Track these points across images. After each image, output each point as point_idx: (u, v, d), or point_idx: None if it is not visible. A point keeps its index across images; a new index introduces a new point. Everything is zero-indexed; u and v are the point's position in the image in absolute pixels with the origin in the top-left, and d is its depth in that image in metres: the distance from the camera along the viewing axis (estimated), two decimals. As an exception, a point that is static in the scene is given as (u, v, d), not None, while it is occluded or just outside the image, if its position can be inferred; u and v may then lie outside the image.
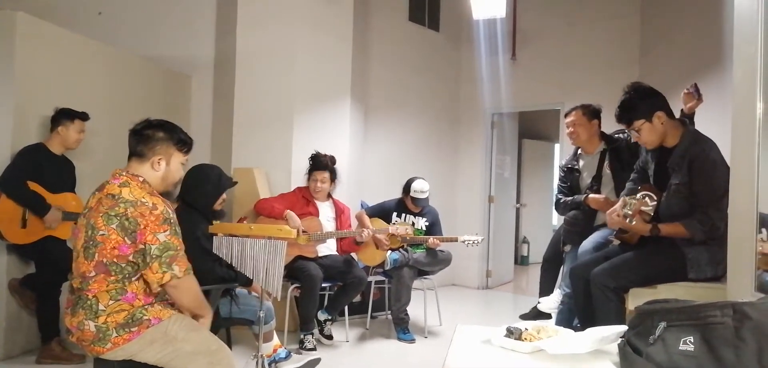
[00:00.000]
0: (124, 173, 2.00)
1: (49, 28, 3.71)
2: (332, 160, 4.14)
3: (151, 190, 2.01)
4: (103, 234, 1.87)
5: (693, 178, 2.33)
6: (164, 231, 1.92)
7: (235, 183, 3.31)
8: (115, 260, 1.88)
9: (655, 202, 2.38)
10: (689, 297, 1.61)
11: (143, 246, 1.89)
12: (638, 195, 2.40)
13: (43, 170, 3.33)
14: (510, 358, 1.56)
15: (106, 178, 2.03)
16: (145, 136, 2.04)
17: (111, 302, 1.88)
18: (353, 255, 4.28)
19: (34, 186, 3.27)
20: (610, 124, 3.48)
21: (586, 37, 6.03)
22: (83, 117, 3.52)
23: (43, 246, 3.32)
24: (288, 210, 3.91)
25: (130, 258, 1.90)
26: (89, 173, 3.68)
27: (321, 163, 4.06)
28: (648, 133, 2.43)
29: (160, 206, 1.94)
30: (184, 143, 2.13)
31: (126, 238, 1.88)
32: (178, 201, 2.95)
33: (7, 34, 3.43)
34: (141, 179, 2.01)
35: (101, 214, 1.89)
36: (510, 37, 6.34)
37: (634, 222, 2.38)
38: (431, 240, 4.19)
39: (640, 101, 2.42)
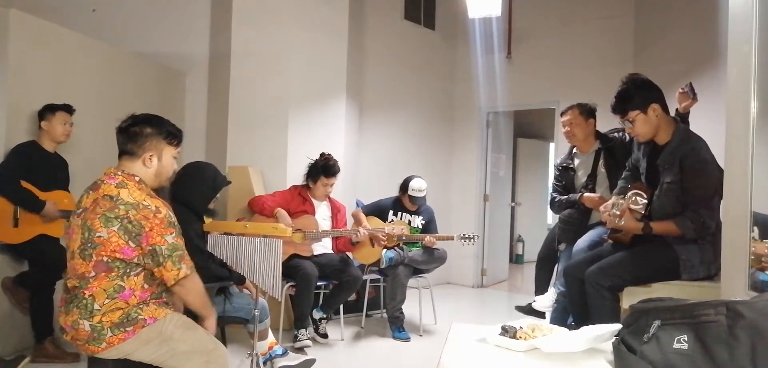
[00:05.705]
0: (119, 173, 1.97)
1: (43, 25, 3.67)
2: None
3: (150, 192, 2.00)
4: (102, 237, 1.84)
5: (684, 176, 2.35)
6: (170, 234, 1.92)
7: (229, 182, 3.29)
8: (117, 258, 1.86)
9: (646, 201, 2.39)
10: (683, 296, 1.61)
11: (152, 248, 1.88)
12: (628, 195, 2.41)
13: (35, 168, 3.30)
14: (505, 357, 1.56)
15: (99, 176, 2.00)
16: (133, 133, 2.00)
17: (107, 300, 1.86)
18: (348, 253, 4.27)
19: (26, 185, 3.24)
20: (605, 123, 3.50)
21: (581, 35, 6.05)
22: (67, 109, 3.44)
23: (37, 245, 3.29)
24: (278, 209, 3.89)
25: (135, 260, 1.88)
26: (82, 170, 3.65)
27: (334, 170, 4.02)
28: (642, 124, 2.44)
29: (164, 209, 1.94)
30: (173, 136, 2.09)
31: (130, 241, 1.86)
32: (171, 199, 2.93)
33: (-1, 31, 3.40)
34: (137, 179, 1.98)
35: (98, 216, 1.86)
36: (505, 36, 6.34)
37: (622, 222, 2.39)
38: (427, 238, 4.19)
39: (637, 91, 2.43)
